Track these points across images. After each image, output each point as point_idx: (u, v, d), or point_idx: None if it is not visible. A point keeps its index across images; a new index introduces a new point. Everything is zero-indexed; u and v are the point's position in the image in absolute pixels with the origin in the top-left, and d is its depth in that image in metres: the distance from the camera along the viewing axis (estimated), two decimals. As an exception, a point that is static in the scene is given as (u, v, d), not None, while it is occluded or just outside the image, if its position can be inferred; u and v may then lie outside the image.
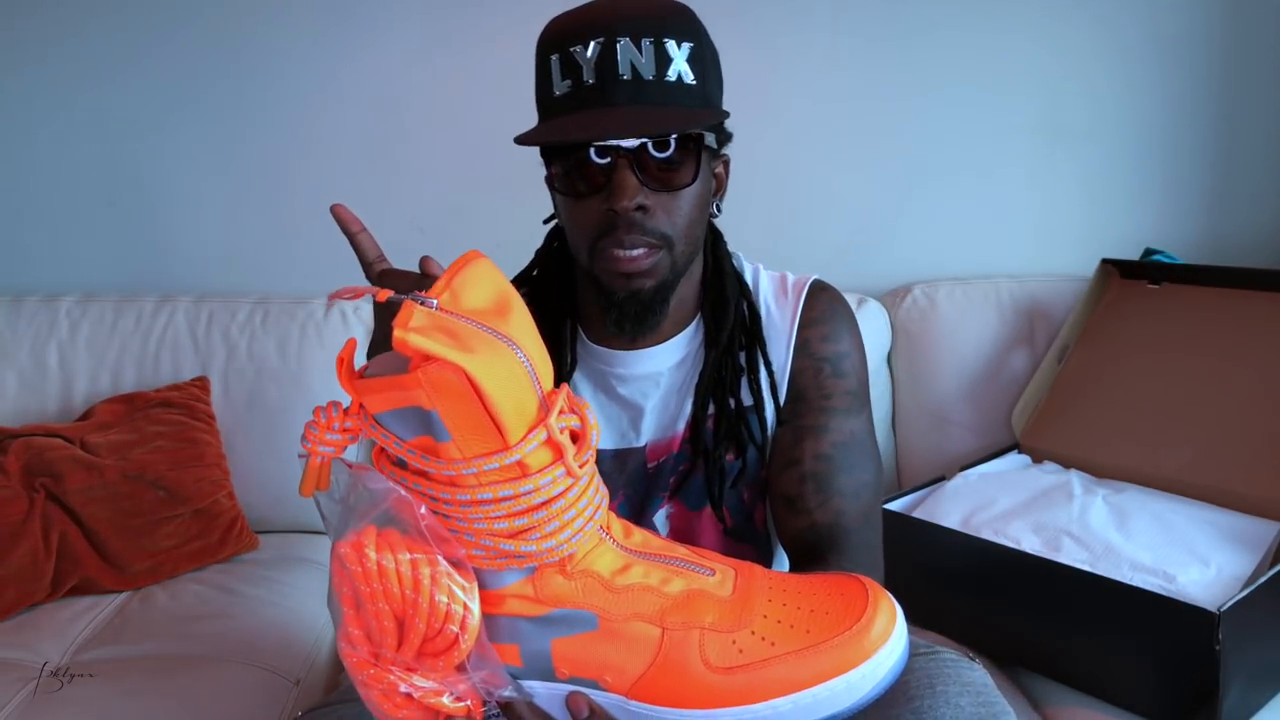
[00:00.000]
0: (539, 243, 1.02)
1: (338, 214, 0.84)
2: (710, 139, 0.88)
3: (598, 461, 0.64)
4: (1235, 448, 1.36)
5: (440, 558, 0.58)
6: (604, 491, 0.64)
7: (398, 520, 0.59)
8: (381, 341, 0.79)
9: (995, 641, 1.29)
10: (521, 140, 0.83)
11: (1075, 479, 1.43)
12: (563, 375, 0.96)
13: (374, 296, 0.59)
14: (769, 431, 0.96)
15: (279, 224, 1.84)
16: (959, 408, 1.66)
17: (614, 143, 0.82)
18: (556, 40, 0.84)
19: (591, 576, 0.61)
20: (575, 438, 0.62)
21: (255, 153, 1.82)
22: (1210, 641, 1.04)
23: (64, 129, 1.82)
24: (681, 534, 0.99)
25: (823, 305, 0.98)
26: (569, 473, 0.60)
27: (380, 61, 1.78)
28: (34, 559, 1.42)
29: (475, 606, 0.59)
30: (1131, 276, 1.63)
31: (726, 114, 0.88)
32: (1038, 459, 1.55)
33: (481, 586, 0.61)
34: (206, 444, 1.57)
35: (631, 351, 0.96)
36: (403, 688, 0.60)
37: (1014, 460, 1.56)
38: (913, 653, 0.74)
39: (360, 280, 0.80)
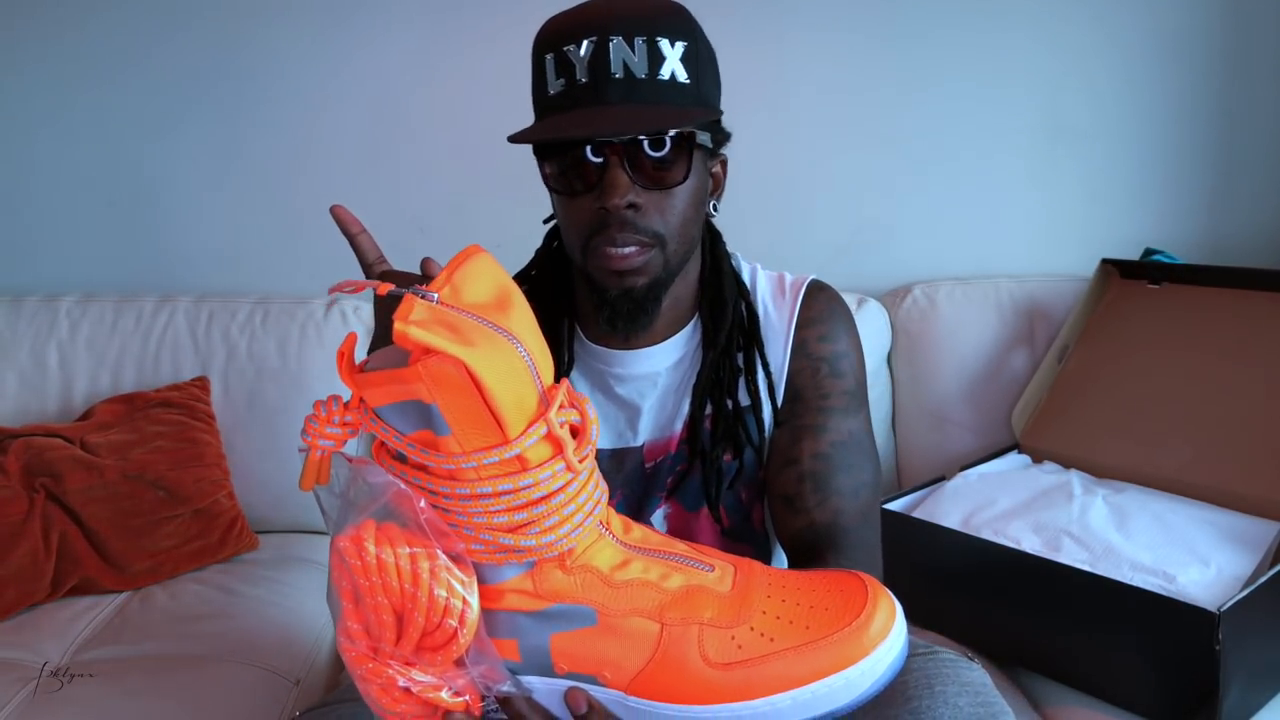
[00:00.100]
0: (539, 242, 1.02)
1: (337, 215, 0.84)
2: (705, 138, 0.88)
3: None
4: (1235, 448, 1.36)
5: (439, 552, 0.58)
6: (604, 487, 0.64)
7: (397, 514, 0.59)
8: (382, 338, 0.79)
9: (995, 641, 1.28)
10: (515, 139, 0.83)
11: (1075, 479, 1.43)
12: (560, 374, 0.96)
13: (375, 291, 0.60)
14: (766, 432, 0.96)
15: (279, 224, 1.84)
16: (959, 408, 1.66)
17: (601, 140, 0.82)
18: (551, 39, 0.84)
19: (590, 572, 0.61)
20: (575, 433, 0.62)
21: (255, 153, 1.82)
22: (1210, 641, 1.04)
23: (64, 129, 1.82)
24: (679, 534, 0.97)
25: (820, 305, 0.98)
26: (569, 467, 0.60)
27: (380, 62, 1.79)
28: (34, 559, 1.42)
29: (474, 601, 0.59)
30: (1131, 276, 1.63)
31: (720, 112, 0.88)
32: (1038, 459, 1.55)
33: (480, 581, 0.60)
34: (206, 444, 1.57)
35: (629, 351, 0.96)
36: (401, 682, 0.60)
37: (1014, 460, 1.56)
38: (911, 653, 0.74)
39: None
